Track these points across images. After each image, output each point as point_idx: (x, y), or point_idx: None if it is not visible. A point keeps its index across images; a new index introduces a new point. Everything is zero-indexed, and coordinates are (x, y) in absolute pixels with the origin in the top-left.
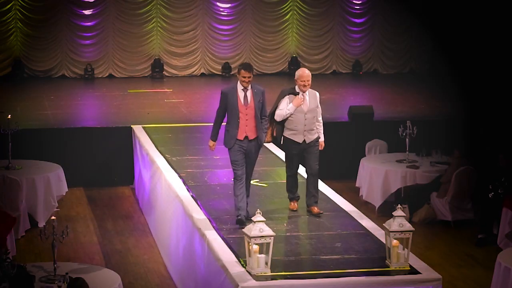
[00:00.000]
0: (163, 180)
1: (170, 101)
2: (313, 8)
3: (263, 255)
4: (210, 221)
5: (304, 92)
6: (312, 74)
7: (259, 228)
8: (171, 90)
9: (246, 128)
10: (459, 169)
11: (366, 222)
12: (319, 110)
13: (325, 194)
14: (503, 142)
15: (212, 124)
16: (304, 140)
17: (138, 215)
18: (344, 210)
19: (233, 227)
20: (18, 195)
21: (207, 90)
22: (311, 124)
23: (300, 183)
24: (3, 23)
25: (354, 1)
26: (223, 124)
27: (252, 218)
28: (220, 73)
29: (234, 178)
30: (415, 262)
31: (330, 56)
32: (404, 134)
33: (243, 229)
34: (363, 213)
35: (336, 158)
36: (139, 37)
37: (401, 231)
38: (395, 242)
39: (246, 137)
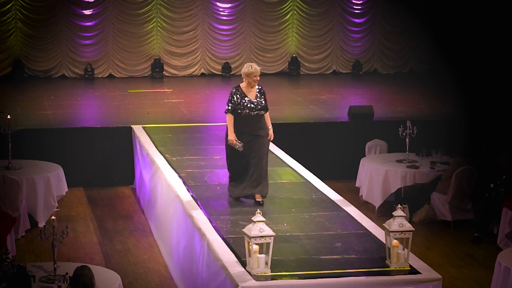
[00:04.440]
0: (163, 180)
1: (170, 101)
2: (313, 8)
3: (263, 255)
4: (210, 221)
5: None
6: (312, 74)
7: (259, 228)
8: (171, 90)
9: None
10: (459, 169)
11: (366, 222)
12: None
13: (325, 194)
14: (503, 142)
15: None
16: None
17: (138, 215)
18: (344, 210)
19: (233, 227)
20: (18, 195)
21: (207, 90)
22: None
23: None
24: (3, 23)
25: (354, 1)
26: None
27: (252, 218)
28: (220, 73)
29: None
30: (415, 262)
31: (330, 56)
32: (404, 134)
33: (243, 229)
34: (363, 213)
35: (336, 158)
36: (139, 37)
37: (401, 231)
38: (395, 242)
39: None
